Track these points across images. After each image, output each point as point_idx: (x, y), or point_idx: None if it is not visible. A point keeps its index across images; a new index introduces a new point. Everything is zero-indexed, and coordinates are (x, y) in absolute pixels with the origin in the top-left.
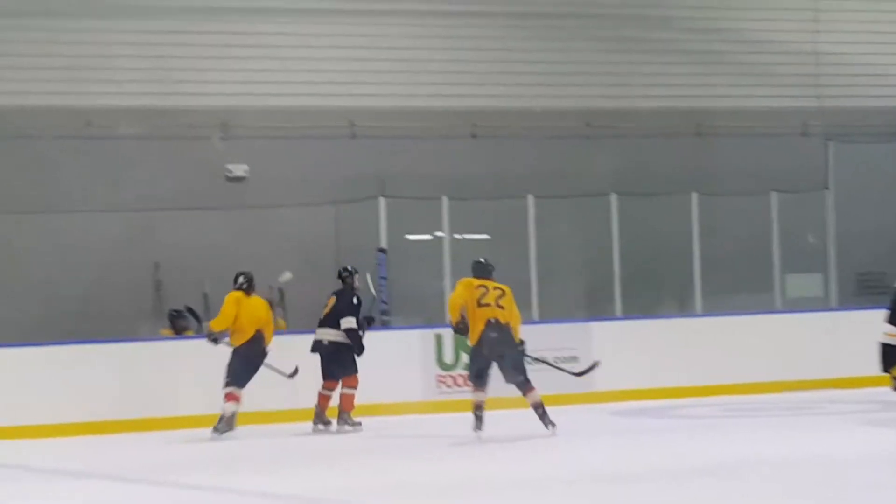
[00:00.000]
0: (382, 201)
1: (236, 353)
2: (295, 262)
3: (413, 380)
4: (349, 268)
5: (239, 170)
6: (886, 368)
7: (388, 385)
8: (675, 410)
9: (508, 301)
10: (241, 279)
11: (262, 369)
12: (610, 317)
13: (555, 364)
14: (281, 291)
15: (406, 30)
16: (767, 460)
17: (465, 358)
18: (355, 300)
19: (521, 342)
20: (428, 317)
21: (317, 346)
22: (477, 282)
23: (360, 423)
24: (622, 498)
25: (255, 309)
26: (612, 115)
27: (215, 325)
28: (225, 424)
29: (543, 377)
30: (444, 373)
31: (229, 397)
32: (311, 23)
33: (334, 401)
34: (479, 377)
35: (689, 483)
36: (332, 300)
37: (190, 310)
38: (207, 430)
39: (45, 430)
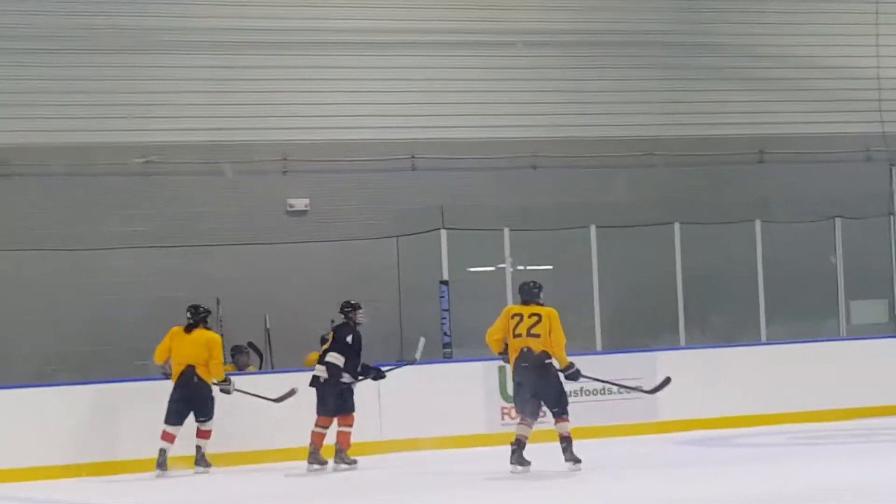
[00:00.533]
0: (444, 233)
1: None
2: (357, 296)
3: (476, 412)
4: (352, 302)
5: (300, 203)
6: None
7: (452, 417)
8: (741, 440)
9: (544, 327)
10: (187, 314)
11: (247, 399)
12: (674, 346)
13: (624, 384)
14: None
15: (465, 61)
16: (835, 489)
17: None
18: (350, 338)
19: (569, 366)
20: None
21: (314, 382)
22: (515, 309)
23: (355, 462)
24: None
25: (186, 345)
26: (673, 144)
27: (155, 359)
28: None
29: (604, 406)
30: (507, 404)
31: (161, 434)
32: (371, 56)
33: (330, 439)
34: (519, 409)
35: None
36: (332, 336)
37: (252, 345)
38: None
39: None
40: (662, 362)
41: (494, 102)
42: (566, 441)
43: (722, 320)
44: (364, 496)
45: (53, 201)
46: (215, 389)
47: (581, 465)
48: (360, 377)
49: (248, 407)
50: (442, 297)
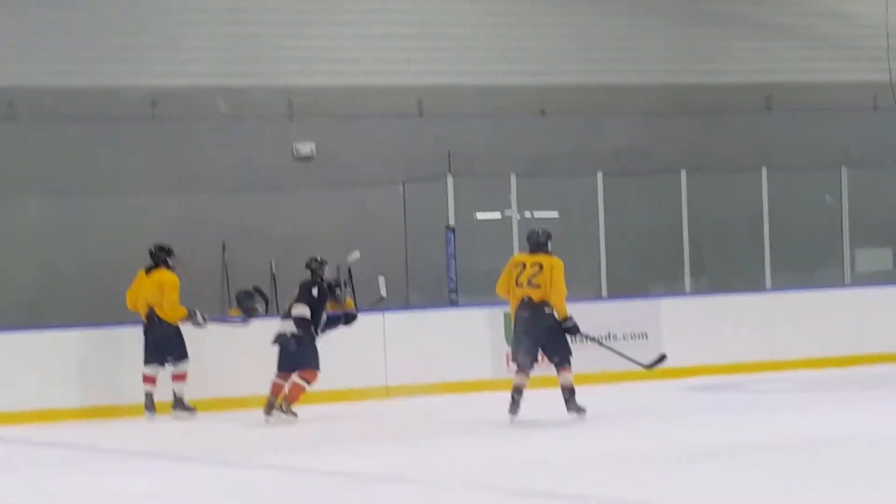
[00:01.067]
0: (450, 179)
1: None
2: (363, 241)
3: (482, 357)
4: (318, 258)
5: (306, 149)
6: None
7: (457, 363)
8: (749, 386)
9: (545, 278)
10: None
11: (216, 328)
12: (679, 293)
13: (620, 352)
14: (349, 271)
15: (474, 6)
16: (845, 436)
17: None
18: (316, 291)
19: (567, 319)
20: (496, 295)
21: (278, 339)
22: (520, 259)
23: (296, 416)
24: (704, 475)
25: (145, 287)
26: (681, 91)
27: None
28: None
29: (609, 352)
30: None
31: (142, 378)
32: (379, 1)
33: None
34: (516, 358)
35: (771, 459)
36: (297, 291)
37: (258, 290)
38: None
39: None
40: (667, 309)
41: (503, 49)
42: (569, 392)
43: (726, 267)
44: (360, 443)
45: (56, 144)
46: (187, 328)
47: (585, 415)
48: (328, 328)
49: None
50: (448, 242)
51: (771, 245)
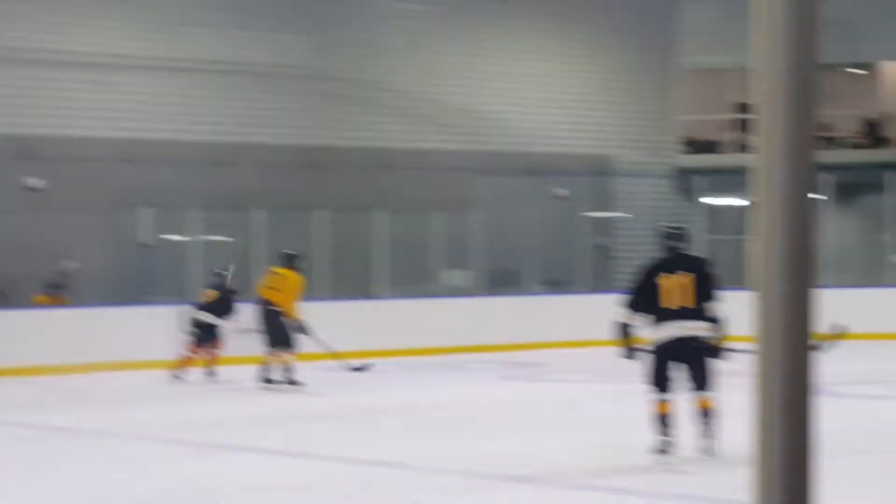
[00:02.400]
0: (145, 209)
1: None
2: (80, 254)
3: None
4: (220, 271)
5: (36, 182)
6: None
7: (144, 350)
8: (374, 367)
9: (282, 285)
10: None
11: None
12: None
13: (336, 356)
14: (67, 275)
15: (168, 82)
16: (435, 403)
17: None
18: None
19: (295, 320)
20: (181, 296)
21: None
22: (272, 269)
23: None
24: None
25: None
26: (326, 151)
27: None
28: None
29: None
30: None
31: None
32: (103, 76)
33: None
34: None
35: (376, 421)
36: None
37: None
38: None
39: None
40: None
41: (183, 115)
42: (279, 370)
43: (355, 280)
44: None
45: None
46: None
47: (283, 386)
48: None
49: None
50: (143, 257)
51: (388, 264)
